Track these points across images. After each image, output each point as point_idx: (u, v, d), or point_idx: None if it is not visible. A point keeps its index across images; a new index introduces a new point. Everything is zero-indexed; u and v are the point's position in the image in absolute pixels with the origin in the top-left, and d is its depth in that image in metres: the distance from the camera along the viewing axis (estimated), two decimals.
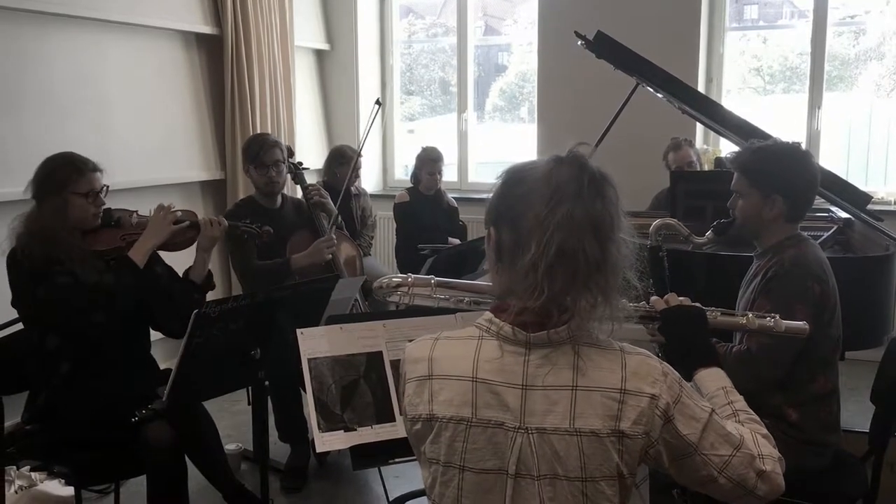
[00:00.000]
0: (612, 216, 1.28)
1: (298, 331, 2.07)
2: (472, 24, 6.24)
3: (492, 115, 6.61)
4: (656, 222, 2.66)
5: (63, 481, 3.12)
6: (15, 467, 3.11)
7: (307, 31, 5.99)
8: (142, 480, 2.62)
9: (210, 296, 2.91)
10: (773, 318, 1.71)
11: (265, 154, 3.58)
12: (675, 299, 1.62)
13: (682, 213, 3.66)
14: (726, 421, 1.36)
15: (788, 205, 2.25)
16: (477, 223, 5.65)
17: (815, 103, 5.18)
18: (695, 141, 5.06)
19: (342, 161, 4.84)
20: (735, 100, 5.54)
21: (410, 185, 5.15)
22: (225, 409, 3.99)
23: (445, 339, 1.38)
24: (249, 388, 3.15)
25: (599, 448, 1.26)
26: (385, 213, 5.59)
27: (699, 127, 5.12)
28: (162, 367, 2.88)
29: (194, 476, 2.71)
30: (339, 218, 3.89)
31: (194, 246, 2.84)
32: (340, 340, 2.09)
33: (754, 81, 5.79)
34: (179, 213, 2.78)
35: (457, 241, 4.94)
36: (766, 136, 2.79)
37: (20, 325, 2.73)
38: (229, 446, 3.27)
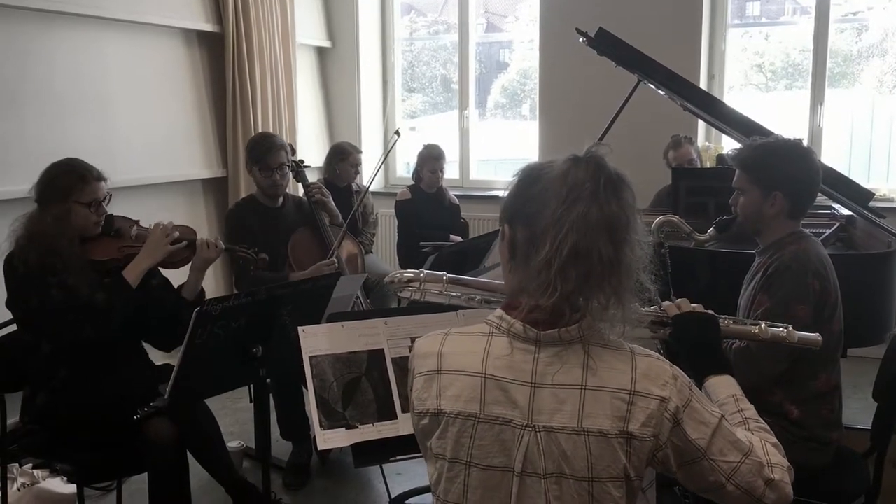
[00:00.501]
0: (628, 217, 1.28)
1: (300, 328, 2.07)
2: (474, 21, 6.23)
3: (493, 113, 6.60)
4: (658, 219, 2.66)
5: (65, 479, 3.12)
6: (17, 465, 3.12)
7: (309, 29, 5.98)
8: (144, 478, 2.62)
9: (211, 294, 2.90)
10: (787, 328, 1.67)
11: (271, 157, 3.55)
12: (687, 305, 1.61)
13: (684, 210, 3.66)
14: (736, 428, 1.35)
15: (789, 201, 2.25)
16: (479, 220, 5.66)
17: (817, 100, 5.17)
18: (697, 138, 5.06)
19: (342, 157, 4.84)
20: (737, 97, 5.53)
21: (412, 182, 5.15)
22: (227, 407, 3.99)
23: (455, 334, 1.38)
24: (251, 385, 3.14)
25: (607, 449, 1.25)
26: (387, 211, 5.59)
27: (701, 124, 5.11)
28: (159, 362, 2.88)
29: (196, 473, 2.71)
30: (340, 218, 3.88)
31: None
32: (342, 338, 2.09)
33: (756, 78, 5.78)
34: (177, 234, 2.74)
35: (458, 239, 4.94)
36: (768, 133, 2.78)
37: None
38: (231, 444, 3.27)
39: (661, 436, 1.27)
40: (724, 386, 1.48)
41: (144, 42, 4.55)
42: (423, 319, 2.15)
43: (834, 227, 3.41)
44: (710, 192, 3.66)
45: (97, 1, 4.16)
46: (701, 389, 1.44)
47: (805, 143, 2.38)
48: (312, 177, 4.52)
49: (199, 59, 5.00)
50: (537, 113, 5.77)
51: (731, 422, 1.37)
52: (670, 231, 2.69)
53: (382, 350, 2.11)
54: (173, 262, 2.79)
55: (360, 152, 4.98)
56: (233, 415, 4.00)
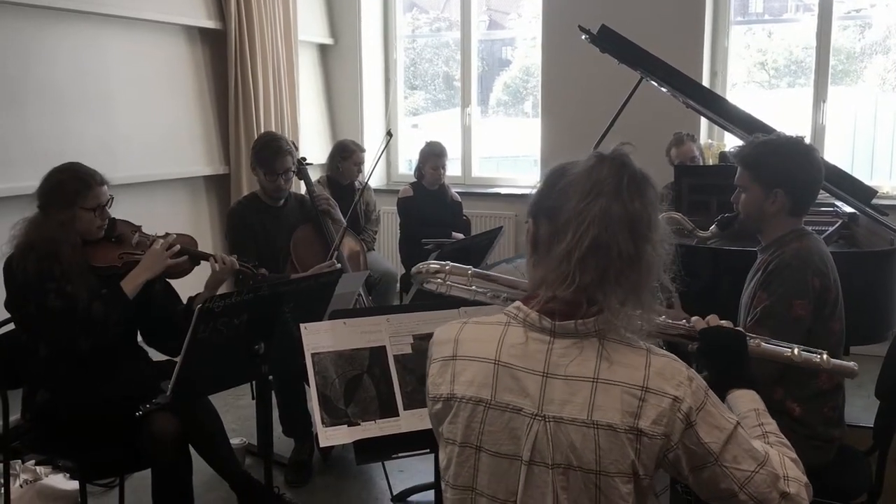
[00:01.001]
0: (650, 216, 1.29)
1: (302, 325, 2.07)
2: (476, 18, 6.23)
3: (495, 110, 6.60)
4: (660, 216, 2.65)
5: (68, 475, 3.14)
6: (20, 461, 3.13)
7: (311, 26, 5.98)
8: (147, 474, 2.63)
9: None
10: (822, 355, 1.62)
11: (277, 162, 3.53)
12: (715, 320, 1.59)
13: (687, 207, 3.66)
14: (753, 438, 1.33)
15: (791, 199, 2.25)
16: (480, 218, 5.66)
17: (820, 97, 5.16)
18: (699, 135, 5.06)
19: (346, 156, 4.84)
20: (740, 94, 5.52)
21: (414, 179, 5.15)
22: (229, 404, 4.00)
23: (474, 323, 1.40)
24: (253, 382, 3.15)
25: (615, 443, 1.25)
26: (389, 208, 5.59)
27: (704, 121, 5.10)
28: (160, 359, 2.88)
29: (199, 469, 2.71)
30: (345, 223, 3.88)
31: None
32: (344, 335, 2.09)
33: (759, 75, 5.77)
34: (178, 247, 2.73)
35: (460, 236, 4.94)
36: (770, 131, 2.78)
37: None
38: (233, 441, 3.27)
39: (673, 436, 1.26)
40: (746, 400, 1.46)
41: (146, 39, 4.55)
42: (425, 316, 2.15)
43: (837, 225, 3.40)
44: (713, 189, 3.65)
45: None
46: (724, 403, 1.41)
47: (808, 140, 2.38)
48: (314, 174, 4.53)
49: (201, 56, 4.99)
50: (539, 110, 5.76)
51: (751, 434, 1.35)
52: (673, 228, 2.68)
53: (384, 347, 2.11)
54: (173, 274, 2.79)
55: (363, 151, 4.99)
56: (235, 412, 4.00)
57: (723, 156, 4.64)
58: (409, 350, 2.10)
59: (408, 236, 5.04)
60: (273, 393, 3.11)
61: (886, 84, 5.40)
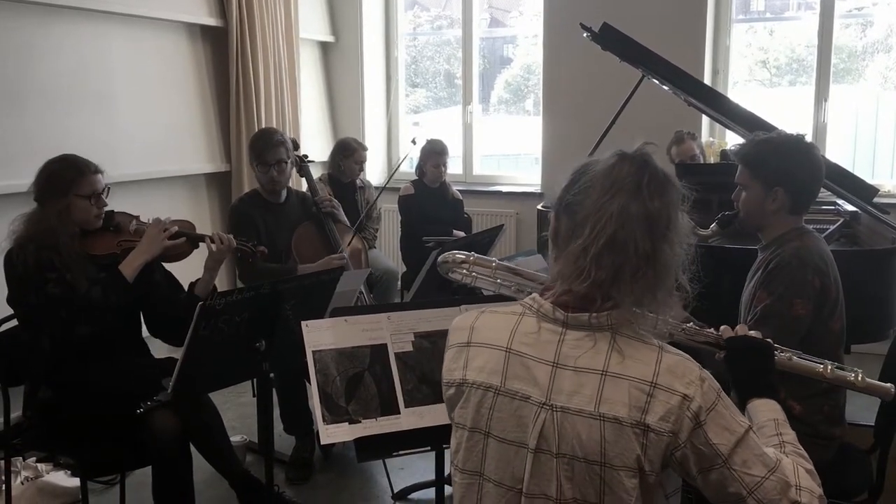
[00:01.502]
0: (670, 216, 1.31)
1: (303, 323, 2.07)
2: (478, 16, 6.22)
3: (497, 108, 6.60)
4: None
5: (69, 472, 3.14)
6: (21, 458, 3.13)
7: (312, 24, 5.98)
8: (147, 471, 2.63)
9: (219, 289, 2.90)
10: (856, 373, 1.60)
11: (268, 153, 3.55)
12: (743, 330, 1.58)
13: (688, 205, 3.64)
14: (767, 445, 1.32)
15: (791, 197, 2.24)
16: (482, 216, 5.66)
17: (821, 96, 5.15)
18: (701, 133, 5.05)
19: (347, 154, 4.84)
20: (741, 92, 5.51)
21: (415, 177, 5.15)
22: (230, 401, 4.00)
23: (490, 311, 1.43)
24: (254, 380, 3.15)
25: (621, 436, 1.25)
26: (390, 206, 5.59)
27: (705, 119, 5.10)
28: (161, 356, 2.88)
29: (200, 467, 2.72)
30: (348, 223, 3.88)
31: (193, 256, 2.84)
32: (345, 333, 2.09)
33: (761, 74, 5.76)
34: (175, 228, 2.75)
35: (461, 234, 4.94)
36: (771, 129, 2.77)
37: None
38: (234, 438, 3.28)
39: (681, 434, 1.25)
40: (766, 409, 1.44)
41: (148, 36, 4.55)
42: (426, 314, 2.14)
43: (838, 223, 3.40)
44: (714, 187, 3.64)
45: None
46: (743, 412, 1.41)
47: (809, 138, 2.37)
48: (316, 172, 4.53)
49: (203, 54, 4.99)
50: (541, 108, 5.76)
51: (767, 443, 1.34)
52: None
53: (385, 345, 2.10)
54: (172, 257, 2.80)
55: (365, 149, 4.99)
56: (236, 409, 4.01)
57: (724, 154, 4.63)
58: (410, 348, 2.10)
59: (409, 234, 5.05)
60: (274, 390, 3.11)
61: (888, 82, 5.39)
